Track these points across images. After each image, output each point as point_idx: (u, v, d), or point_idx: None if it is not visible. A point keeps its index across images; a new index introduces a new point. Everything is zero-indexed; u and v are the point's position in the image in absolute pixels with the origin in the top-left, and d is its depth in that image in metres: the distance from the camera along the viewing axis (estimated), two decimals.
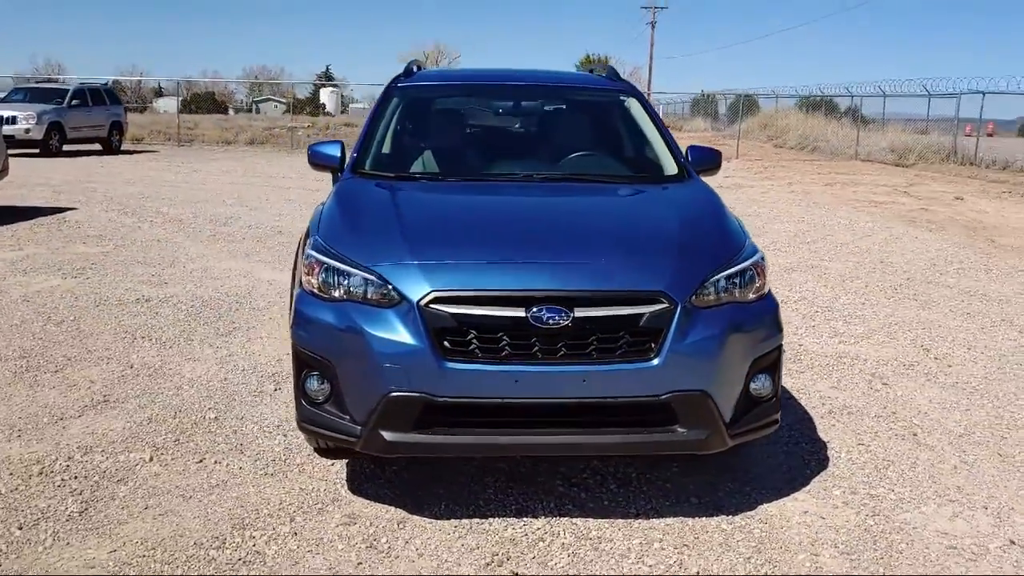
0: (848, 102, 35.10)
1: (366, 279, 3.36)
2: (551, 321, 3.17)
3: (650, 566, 3.13)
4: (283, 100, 72.22)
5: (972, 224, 12.91)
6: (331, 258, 3.47)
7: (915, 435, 4.42)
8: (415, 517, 3.48)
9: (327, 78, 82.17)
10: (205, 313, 6.60)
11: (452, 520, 3.45)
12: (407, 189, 4.16)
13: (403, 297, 3.27)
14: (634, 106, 5.08)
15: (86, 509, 3.51)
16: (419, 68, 5.40)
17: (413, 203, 3.93)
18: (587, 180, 4.39)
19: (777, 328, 3.54)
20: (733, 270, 3.46)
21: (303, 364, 3.45)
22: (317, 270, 3.48)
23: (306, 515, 3.49)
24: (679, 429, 3.29)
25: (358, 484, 3.75)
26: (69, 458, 3.97)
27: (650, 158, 4.69)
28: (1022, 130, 45.68)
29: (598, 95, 5.22)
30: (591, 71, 5.76)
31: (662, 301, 3.26)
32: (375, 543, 3.28)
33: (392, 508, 3.54)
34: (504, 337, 3.20)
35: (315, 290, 3.47)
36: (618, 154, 4.86)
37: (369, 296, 3.34)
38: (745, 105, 35.67)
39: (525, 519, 3.47)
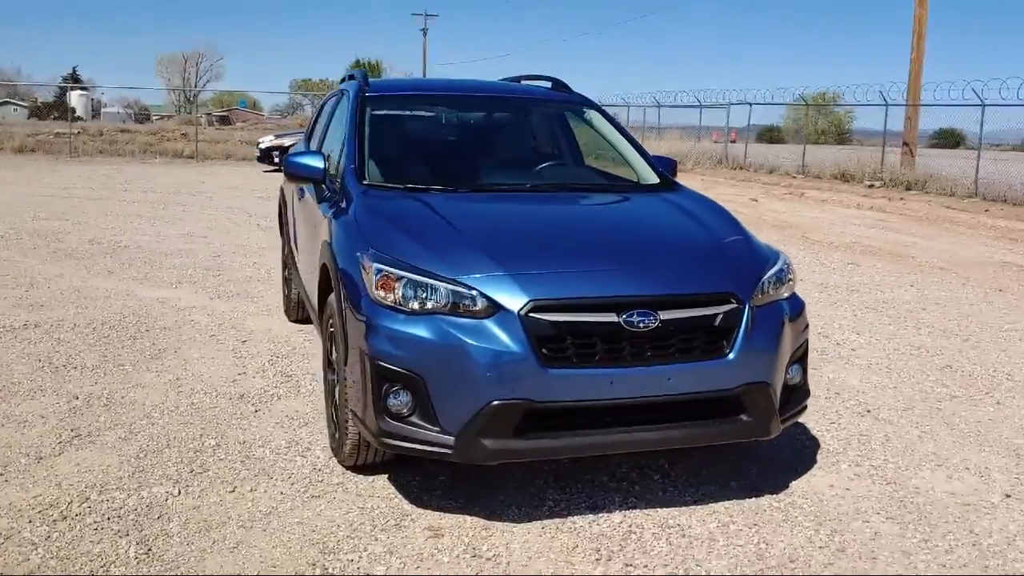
0: (625, 112, 37.30)
1: (456, 291, 3.36)
2: (641, 324, 3.35)
3: (741, 546, 3.39)
4: (23, 104, 66.27)
5: (779, 223, 14.26)
6: (409, 271, 3.44)
7: (870, 411, 4.97)
8: (496, 523, 3.52)
9: (74, 80, 76.07)
10: (115, 336, 6.14)
11: (534, 523, 3.53)
12: (438, 200, 4.15)
13: (500, 307, 3.31)
14: (596, 117, 5.33)
15: (149, 550, 3.26)
16: (364, 76, 5.33)
17: (458, 214, 3.94)
18: (595, 189, 4.60)
19: (805, 322, 3.91)
20: (774, 270, 3.80)
21: (385, 379, 3.40)
22: (395, 284, 3.43)
23: (387, 532, 3.44)
24: (744, 418, 3.57)
25: (416, 497, 3.73)
26: (85, 498, 3.65)
27: (635, 166, 4.95)
28: (760, 135, 50.27)
29: (565, 107, 5.42)
30: (539, 82, 5.93)
31: (732, 301, 3.53)
32: (477, 552, 3.30)
33: (467, 517, 3.56)
34: (597, 341, 3.34)
35: (395, 304, 3.42)
36: (625, 161, 5.07)
37: (463, 308, 3.35)
38: None
39: (601, 515, 3.61)
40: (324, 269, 4.15)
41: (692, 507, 3.70)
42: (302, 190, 5.37)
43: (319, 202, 4.64)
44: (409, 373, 3.36)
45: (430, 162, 4.77)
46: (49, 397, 4.87)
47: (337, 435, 3.94)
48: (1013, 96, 19.15)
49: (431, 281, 3.40)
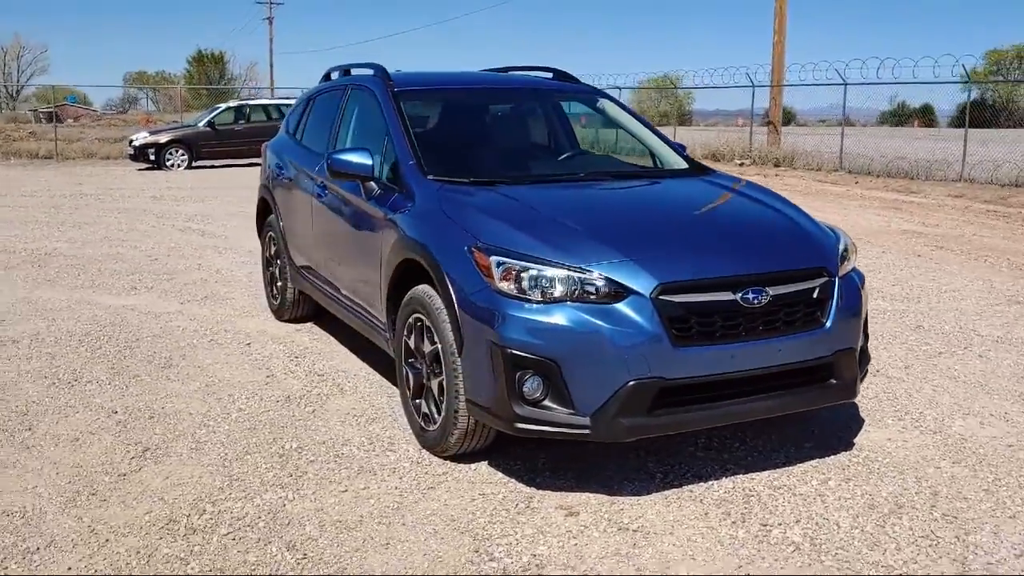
0: None
1: (582, 279, 3.49)
2: (755, 301, 3.58)
3: (850, 498, 3.68)
4: None
5: None
6: (531, 262, 3.54)
7: (879, 371, 5.41)
8: (621, 498, 3.68)
9: None
10: (109, 347, 5.88)
11: (654, 495, 3.71)
12: (518, 191, 4.22)
13: (630, 291, 3.46)
14: (610, 106, 5.52)
15: (304, 554, 3.25)
16: (384, 71, 5.31)
17: (547, 204, 4.04)
18: (644, 175, 4.80)
19: (864, 291, 4.26)
20: (844, 243, 4.11)
21: (519, 366, 3.49)
22: (519, 275, 3.53)
23: (523, 515, 3.54)
24: (834, 382, 3.87)
25: (529, 480, 3.83)
26: (201, 511, 3.57)
27: (661, 153, 5.17)
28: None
29: (582, 97, 5.58)
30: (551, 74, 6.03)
31: (824, 275, 3.81)
32: (621, 524, 3.45)
33: (589, 495, 3.70)
34: (718, 319, 3.55)
35: (520, 294, 3.51)
36: (648, 150, 5.26)
37: (592, 294, 3.48)
38: None
39: (711, 482, 3.83)
40: (402, 265, 4.18)
41: (786, 468, 3.97)
42: (323, 189, 5.31)
43: (369, 200, 4.63)
44: (544, 359, 3.47)
45: (477, 155, 4.85)
46: (84, 414, 4.66)
47: (435, 426, 3.99)
48: (873, 75, 20.61)
49: (556, 270, 3.51)
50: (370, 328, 4.82)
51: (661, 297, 3.47)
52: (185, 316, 6.77)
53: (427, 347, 4.02)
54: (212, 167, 22.73)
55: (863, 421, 4.57)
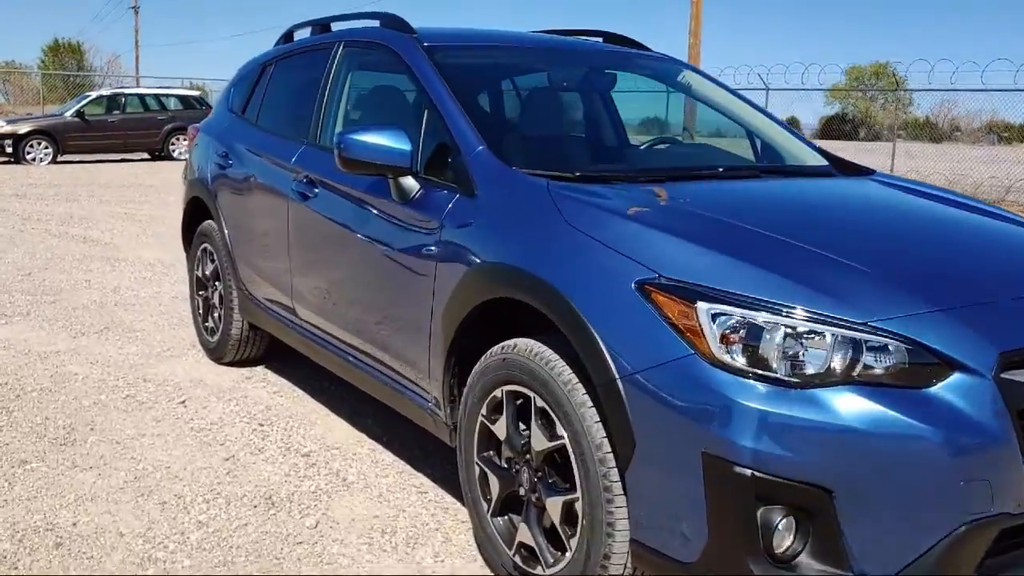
0: None
1: (869, 343, 2.03)
2: None
3: None
4: None
5: None
6: (770, 312, 2.06)
7: None
8: None
9: None
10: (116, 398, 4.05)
11: None
12: (674, 191, 2.75)
13: (956, 365, 2.03)
14: (699, 80, 4.09)
15: None
16: (403, 22, 3.73)
17: (747, 214, 2.58)
18: (810, 175, 3.38)
19: None
20: None
21: (761, 499, 2.01)
22: (747, 333, 2.04)
23: None
24: None
25: None
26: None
27: (784, 144, 3.75)
28: None
29: (664, 67, 4.10)
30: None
31: None
32: None
33: None
34: None
35: (753, 367, 2.03)
36: (758, 139, 3.80)
37: (890, 369, 2.03)
38: None
39: None
40: (480, 307, 2.66)
41: None
42: (310, 188, 3.68)
43: (406, 204, 3.05)
44: (808, 487, 1.99)
45: (562, 139, 3.34)
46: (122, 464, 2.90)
47: (551, 571, 2.47)
48: (798, 81, 20.07)
49: (825, 328, 2.05)
50: (398, 395, 3.25)
51: (1004, 376, 2.06)
52: (82, 357, 4.95)
53: (538, 440, 2.49)
54: (81, 162, 20.11)
55: None
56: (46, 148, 19.36)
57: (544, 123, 3.49)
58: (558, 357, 2.42)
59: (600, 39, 4.33)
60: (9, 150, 19.02)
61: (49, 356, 4.95)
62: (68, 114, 20.05)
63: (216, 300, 4.81)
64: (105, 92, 21.97)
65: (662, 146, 3.69)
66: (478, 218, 2.77)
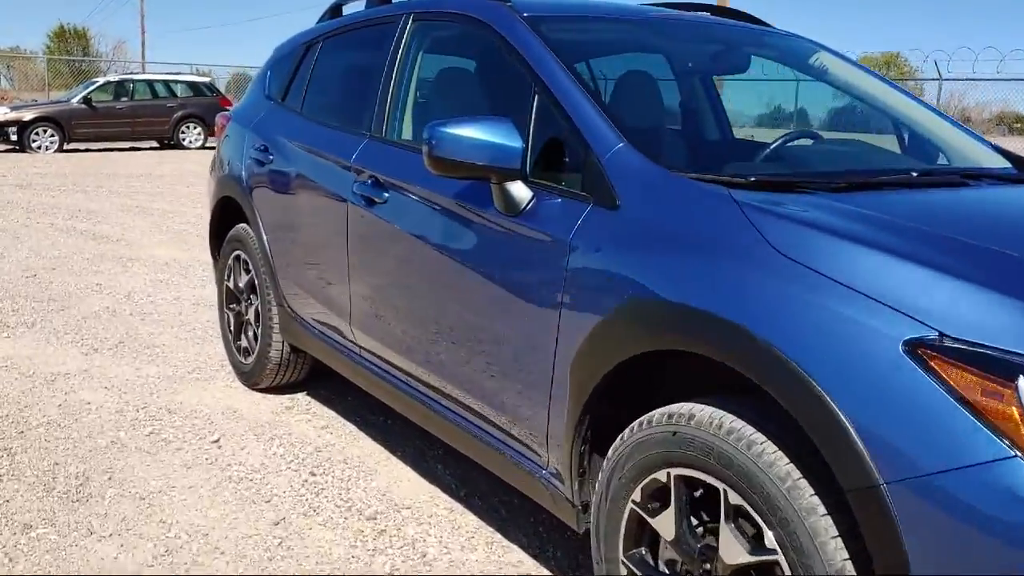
0: None
1: None
2: None
3: None
4: None
5: None
6: None
7: None
8: None
9: None
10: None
11: None
12: (890, 204, 2.09)
13: None
14: (837, 64, 3.40)
15: None
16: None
17: (1000, 236, 1.90)
18: (1012, 180, 2.67)
19: None
20: None
21: None
22: None
23: None
24: None
25: None
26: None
27: (955, 142, 3.05)
28: None
29: (793, 47, 3.40)
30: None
31: None
32: None
33: None
34: None
35: None
36: (916, 134, 3.11)
37: None
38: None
39: None
40: (630, 361, 1.99)
41: None
42: (378, 192, 3.00)
43: (517, 217, 2.37)
44: None
45: (705, 133, 2.66)
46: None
47: None
48: None
49: None
50: (497, 454, 2.58)
51: None
52: (96, 381, 4.29)
53: (732, 550, 1.82)
54: (88, 150, 19.45)
55: None
56: (52, 136, 18.68)
57: (683, 114, 2.82)
58: (765, 439, 1.74)
59: (707, 12, 3.63)
60: (14, 138, 18.35)
61: (57, 379, 4.30)
62: (75, 101, 19.36)
63: (251, 316, 4.15)
64: (113, 78, 21.26)
65: (806, 142, 3.00)
66: (626, 238, 2.10)
